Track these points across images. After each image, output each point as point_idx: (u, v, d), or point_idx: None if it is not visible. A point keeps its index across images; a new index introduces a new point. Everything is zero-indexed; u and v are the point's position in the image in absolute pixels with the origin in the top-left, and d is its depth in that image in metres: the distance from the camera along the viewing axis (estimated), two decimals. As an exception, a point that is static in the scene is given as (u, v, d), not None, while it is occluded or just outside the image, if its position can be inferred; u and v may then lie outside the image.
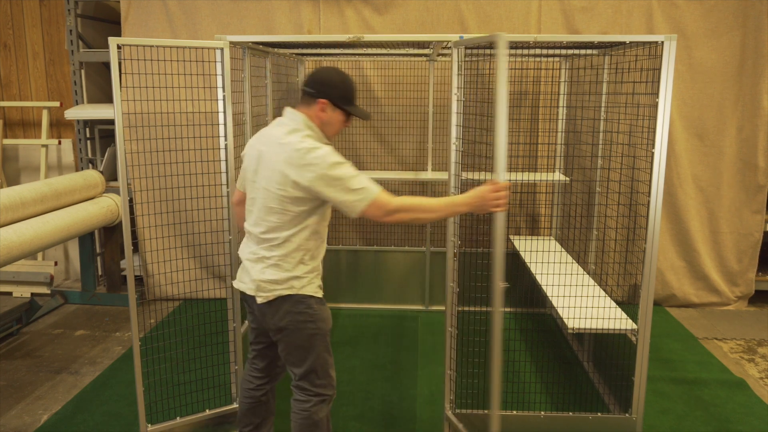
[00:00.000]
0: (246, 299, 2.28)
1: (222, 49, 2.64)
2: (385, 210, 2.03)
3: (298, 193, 2.04)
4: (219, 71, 2.67)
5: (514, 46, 2.89)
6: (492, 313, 2.15)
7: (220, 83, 2.67)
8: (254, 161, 2.15)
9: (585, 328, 2.67)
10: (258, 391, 2.43)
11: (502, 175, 2.12)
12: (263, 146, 2.13)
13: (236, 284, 2.28)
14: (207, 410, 2.90)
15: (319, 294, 2.22)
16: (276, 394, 2.58)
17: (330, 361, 2.27)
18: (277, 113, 3.92)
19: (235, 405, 2.94)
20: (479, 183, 2.16)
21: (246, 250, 2.23)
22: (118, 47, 2.44)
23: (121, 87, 2.50)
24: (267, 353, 2.40)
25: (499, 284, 2.13)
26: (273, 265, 2.13)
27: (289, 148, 2.03)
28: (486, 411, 2.76)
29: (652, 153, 2.45)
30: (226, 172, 2.74)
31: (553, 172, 4.15)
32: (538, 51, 3.56)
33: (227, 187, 2.76)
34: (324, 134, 2.18)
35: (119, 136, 2.48)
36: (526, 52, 3.39)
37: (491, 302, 2.13)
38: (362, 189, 2.01)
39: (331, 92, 2.14)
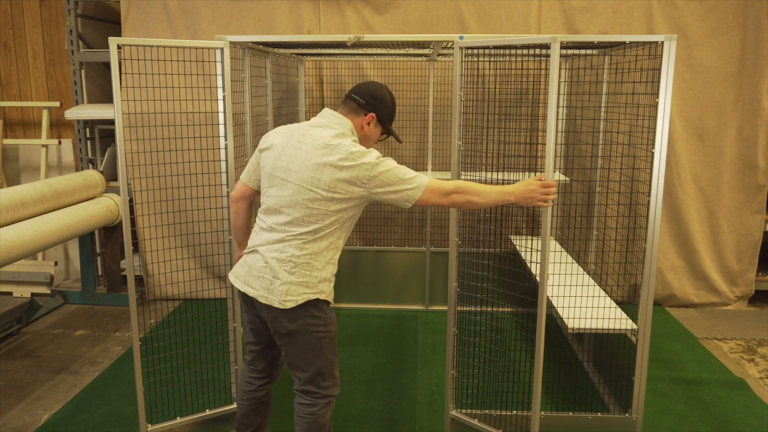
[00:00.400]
0: (247, 300, 2.21)
1: (222, 49, 2.64)
2: (441, 192, 2.09)
3: (346, 195, 2.06)
4: (219, 71, 2.67)
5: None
6: (538, 314, 2.15)
7: (220, 83, 2.67)
8: (286, 158, 2.11)
9: (585, 328, 2.67)
10: (260, 391, 2.40)
11: (551, 173, 2.21)
12: (301, 144, 2.10)
13: (242, 287, 2.17)
14: (207, 410, 2.90)
15: (332, 298, 2.21)
16: (274, 393, 2.57)
17: (336, 362, 2.26)
18: (277, 113, 3.92)
19: (235, 405, 2.93)
20: (479, 183, 2.16)
21: (267, 250, 2.12)
22: (118, 47, 2.44)
23: (121, 87, 2.50)
24: (267, 353, 2.37)
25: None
26: (304, 264, 2.08)
27: (343, 150, 2.04)
28: (486, 411, 2.77)
29: (652, 153, 2.45)
30: (226, 172, 2.74)
31: (553, 172, 4.14)
32: (538, 51, 3.56)
33: (227, 187, 2.75)
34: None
35: (119, 136, 2.48)
36: (526, 52, 3.38)
37: (536, 302, 2.14)
38: (414, 178, 2.07)
39: (381, 109, 2.20)
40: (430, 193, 2.08)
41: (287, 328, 2.12)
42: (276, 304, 2.08)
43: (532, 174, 4.09)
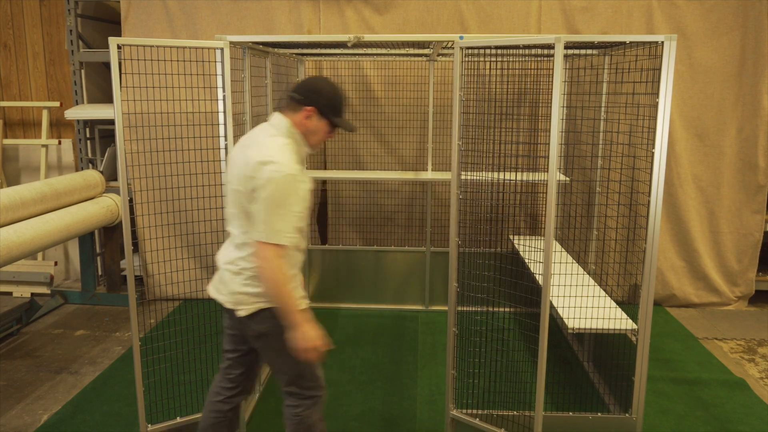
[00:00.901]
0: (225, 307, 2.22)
1: (222, 49, 2.64)
2: (272, 259, 1.97)
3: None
4: (219, 71, 2.67)
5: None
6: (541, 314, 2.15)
7: (220, 83, 2.67)
8: (230, 168, 2.12)
9: (585, 328, 2.67)
10: (226, 404, 2.33)
11: (553, 173, 2.17)
12: (243, 148, 2.10)
13: (213, 293, 2.22)
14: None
15: (301, 306, 2.12)
16: (275, 395, 2.57)
17: (316, 363, 2.22)
18: (277, 113, 3.92)
19: (235, 405, 2.93)
20: (480, 183, 2.16)
21: (225, 257, 2.18)
22: (118, 47, 2.44)
23: (121, 87, 2.49)
24: (244, 361, 2.32)
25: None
26: (254, 276, 2.08)
27: (264, 149, 2.01)
28: (486, 411, 2.76)
29: (652, 153, 2.45)
30: (227, 173, 2.73)
31: (556, 171, 4.14)
32: (538, 51, 3.56)
33: (227, 187, 2.75)
34: (307, 142, 2.16)
35: (119, 136, 2.48)
36: (527, 52, 3.39)
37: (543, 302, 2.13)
38: (287, 226, 1.97)
39: (320, 101, 2.12)
40: (267, 250, 1.96)
41: (256, 330, 2.14)
42: (241, 313, 2.12)
43: (532, 174, 4.09)
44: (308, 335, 2.06)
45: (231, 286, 2.13)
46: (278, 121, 2.13)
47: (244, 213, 2.06)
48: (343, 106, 2.19)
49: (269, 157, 1.98)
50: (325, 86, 2.15)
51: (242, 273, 2.11)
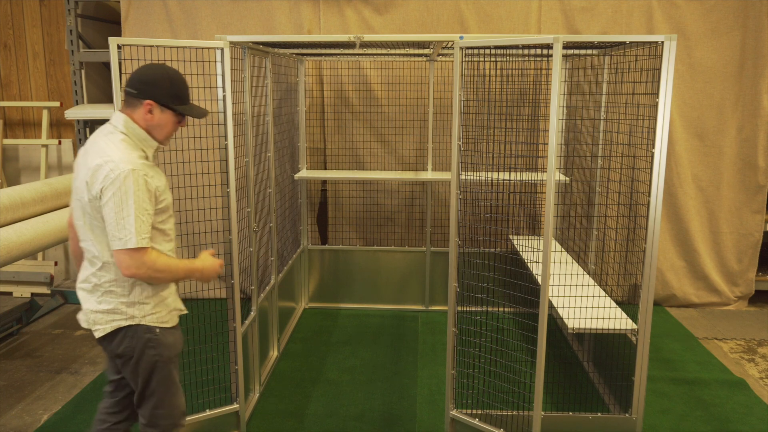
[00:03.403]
0: None
1: (222, 49, 2.64)
2: (135, 263, 1.87)
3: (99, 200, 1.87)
4: (219, 71, 2.67)
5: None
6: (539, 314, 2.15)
7: (220, 83, 2.67)
8: (76, 173, 1.97)
9: (585, 328, 2.67)
10: None
11: (552, 173, 2.16)
12: (84, 155, 1.95)
13: (79, 315, 2.09)
14: (207, 410, 2.90)
15: (169, 323, 2.04)
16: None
17: (174, 390, 2.11)
18: (277, 113, 3.92)
19: (236, 405, 2.94)
20: (480, 183, 2.16)
21: (80, 276, 2.04)
22: (118, 47, 2.44)
23: (121, 87, 2.49)
24: (126, 385, 2.18)
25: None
26: (107, 292, 1.96)
27: (98, 155, 1.87)
28: (486, 411, 2.77)
29: (652, 153, 2.45)
30: (227, 172, 2.74)
31: (555, 171, 4.14)
32: (538, 51, 3.56)
33: (227, 188, 2.76)
34: (154, 138, 2.00)
35: (119, 136, 2.47)
36: (526, 52, 3.39)
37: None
38: (131, 231, 1.84)
39: (156, 91, 1.94)
40: (130, 257, 1.85)
41: (113, 352, 2.03)
42: (97, 334, 2.01)
43: (532, 174, 4.09)
44: (205, 270, 2.06)
45: (86, 305, 2.00)
46: (115, 118, 1.97)
47: (90, 225, 1.92)
48: (184, 90, 2.01)
49: (104, 156, 1.85)
50: (159, 74, 1.96)
51: (96, 290, 1.98)
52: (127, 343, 2.00)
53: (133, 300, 1.97)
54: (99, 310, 1.98)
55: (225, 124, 2.68)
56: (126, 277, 1.91)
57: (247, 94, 2.99)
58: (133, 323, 1.99)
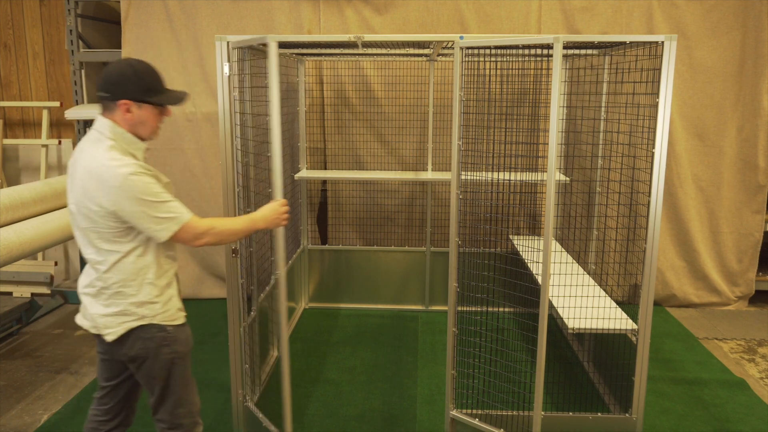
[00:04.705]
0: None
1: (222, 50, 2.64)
2: (194, 233, 1.94)
3: (111, 208, 1.86)
4: (219, 71, 2.67)
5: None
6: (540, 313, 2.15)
7: (220, 83, 2.67)
8: (71, 180, 1.96)
9: (585, 328, 2.67)
10: None
11: (552, 172, 2.21)
12: (76, 163, 1.94)
13: (79, 320, 2.08)
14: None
15: (179, 321, 2.05)
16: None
17: (191, 387, 2.12)
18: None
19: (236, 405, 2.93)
20: (480, 183, 2.16)
21: (83, 282, 2.02)
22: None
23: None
24: (118, 391, 2.15)
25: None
26: (115, 294, 1.95)
27: (96, 163, 1.86)
28: (486, 411, 2.76)
29: (652, 153, 2.45)
30: (226, 172, 2.74)
31: (555, 171, 4.14)
32: (538, 51, 3.56)
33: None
34: (140, 135, 1.98)
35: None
36: (526, 52, 3.39)
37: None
38: (171, 215, 1.89)
39: (128, 89, 1.90)
40: (185, 232, 1.91)
41: (127, 355, 2.01)
42: (105, 337, 1.99)
43: (532, 174, 4.09)
44: (267, 216, 2.10)
45: (91, 310, 1.99)
46: (100, 124, 1.95)
47: (95, 229, 1.91)
48: (156, 80, 1.97)
49: (101, 166, 1.85)
50: (125, 71, 1.92)
51: (102, 293, 1.96)
52: (140, 344, 1.98)
53: (142, 300, 1.96)
54: (107, 313, 1.96)
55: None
56: (199, 246, 1.97)
57: (247, 94, 2.99)
58: (145, 323, 1.98)
